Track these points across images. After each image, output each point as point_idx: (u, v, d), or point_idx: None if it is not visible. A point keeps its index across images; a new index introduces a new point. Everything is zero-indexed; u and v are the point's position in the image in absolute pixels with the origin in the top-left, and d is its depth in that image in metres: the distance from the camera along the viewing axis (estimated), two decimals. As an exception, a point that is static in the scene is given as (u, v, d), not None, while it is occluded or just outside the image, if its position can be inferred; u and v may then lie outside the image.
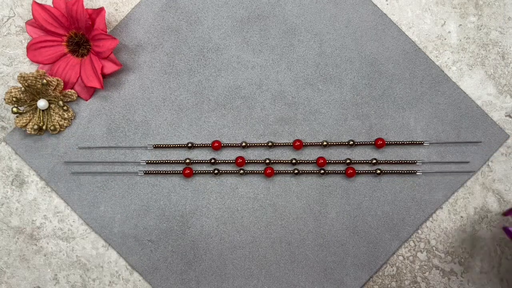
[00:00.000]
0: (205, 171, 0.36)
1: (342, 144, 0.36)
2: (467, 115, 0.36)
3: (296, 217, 0.36)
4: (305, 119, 0.36)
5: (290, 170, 0.35)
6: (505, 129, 0.36)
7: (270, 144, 0.35)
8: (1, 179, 0.36)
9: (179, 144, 0.36)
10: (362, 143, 0.36)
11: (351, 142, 0.35)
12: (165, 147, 0.36)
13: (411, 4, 0.37)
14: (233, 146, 0.36)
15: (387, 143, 0.35)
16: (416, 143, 0.35)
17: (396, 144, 0.35)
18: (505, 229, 0.32)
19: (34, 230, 0.36)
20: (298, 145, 0.35)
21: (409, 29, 0.36)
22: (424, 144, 0.35)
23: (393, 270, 0.36)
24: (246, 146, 0.36)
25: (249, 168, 0.36)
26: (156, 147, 0.36)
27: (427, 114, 0.36)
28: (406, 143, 0.35)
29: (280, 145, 0.36)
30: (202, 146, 0.36)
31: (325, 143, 0.35)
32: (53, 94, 0.35)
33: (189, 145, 0.35)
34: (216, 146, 0.35)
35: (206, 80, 0.36)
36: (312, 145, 0.36)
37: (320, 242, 0.35)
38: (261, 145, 0.36)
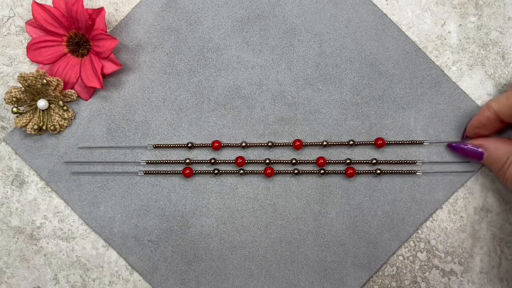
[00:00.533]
0: (205, 171, 0.36)
1: (342, 144, 0.36)
2: (467, 115, 0.36)
3: (296, 217, 0.36)
4: (305, 119, 0.36)
5: (290, 170, 0.35)
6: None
7: (270, 144, 0.35)
8: (1, 179, 0.36)
9: (179, 144, 0.36)
10: (362, 143, 0.36)
11: (351, 142, 0.35)
12: (165, 147, 0.36)
13: (411, 4, 0.37)
14: (233, 146, 0.36)
15: (387, 143, 0.35)
16: (416, 143, 0.35)
17: (396, 143, 0.35)
18: (450, 145, 0.35)
19: (34, 230, 0.36)
20: (298, 145, 0.35)
21: (409, 29, 0.37)
22: (424, 143, 0.35)
23: (393, 270, 0.36)
24: (246, 146, 0.36)
25: (249, 168, 0.36)
26: (156, 147, 0.36)
27: (427, 114, 0.36)
28: (406, 143, 0.35)
29: (280, 145, 0.36)
30: (202, 146, 0.36)
31: (325, 143, 0.35)
32: (53, 94, 0.35)
33: (189, 145, 0.35)
34: (216, 146, 0.35)
35: (206, 80, 0.36)
36: (312, 145, 0.36)
37: (320, 242, 0.35)
38: (261, 145, 0.36)
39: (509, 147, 0.32)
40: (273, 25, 0.36)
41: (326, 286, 0.35)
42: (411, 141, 0.35)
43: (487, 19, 0.36)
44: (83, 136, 0.36)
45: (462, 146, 0.34)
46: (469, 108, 0.36)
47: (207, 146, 0.36)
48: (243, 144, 0.36)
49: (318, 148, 0.36)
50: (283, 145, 0.36)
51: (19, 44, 0.37)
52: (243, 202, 0.36)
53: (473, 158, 0.34)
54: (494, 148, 0.33)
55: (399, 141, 0.35)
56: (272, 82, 0.36)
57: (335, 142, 0.36)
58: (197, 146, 0.36)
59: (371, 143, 0.36)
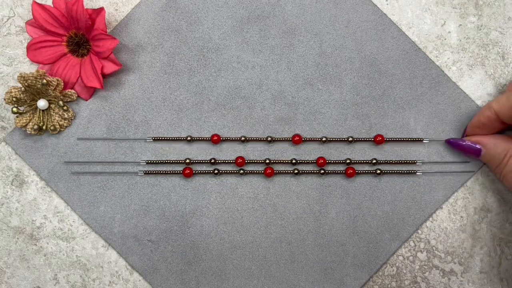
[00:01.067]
0: (205, 171, 0.36)
1: (342, 140, 0.36)
2: (467, 115, 0.36)
3: (296, 217, 0.36)
4: (305, 119, 0.36)
5: (290, 170, 0.35)
6: (505, 129, 0.36)
7: (269, 139, 0.35)
8: (1, 179, 0.36)
9: (179, 137, 0.35)
10: (361, 139, 0.35)
11: (350, 139, 0.35)
12: (164, 139, 0.35)
13: (411, 4, 0.37)
14: (232, 140, 0.36)
15: (386, 140, 0.35)
16: (415, 140, 0.35)
17: (395, 141, 0.35)
18: (448, 141, 0.35)
19: (34, 230, 0.36)
20: (297, 139, 0.35)
21: (409, 29, 0.37)
22: (424, 141, 0.35)
23: (393, 270, 0.36)
24: (245, 140, 0.35)
25: (249, 168, 0.36)
26: (156, 139, 0.35)
27: (427, 114, 0.36)
28: (405, 140, 0.35)
29: (280, 140, 0.35)
30: (201, 139, 0.35)
31: (324, 139, 0.35)
32: (53, 94, 0.35)
33: (188, 138, 0.35)
34: (215, 139, 0.35)
35: (206, 80, 0.36)
36: (311, 140, 0.36)
37: (320, 242, 0.35)
38: (260, 140, 0.36)
39: (507, 144, 0.32)
40: (273, 25, 0.36)
41: (326, 286, 0.35)
42: (410, 138, 0.35)
43: (487, 19, 0.36)
44: (83, 136, 0.36)
45: (460, 142, 0.34)
46: (469, 108, 0.36)
47: (206, 140, 0.36)
48: (242, 138, 0.35)
49: (318, 147, 0.36)
50: (283, 140, 0.36)
51: (19, 44, 0.37)
52: (243, 202, 0.36)
53: (471, 154, 0.34)
54: (493, 145, 0.33)
55: (398, 138, 0.35)
56: (272, 82, 0.36)
57: (335, 138, 0.36)
58: (197, 140, 0.36)
59: (371, 140, 0.36)
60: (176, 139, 0.36)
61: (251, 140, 0.36)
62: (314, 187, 0.36)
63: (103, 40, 0.34)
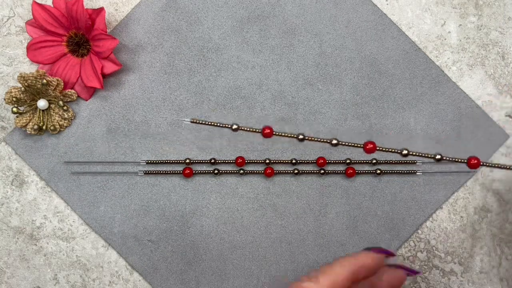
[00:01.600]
0: (205, 171, 0.36)
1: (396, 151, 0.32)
2: (467, 115, 0.36)
3: (296, 217, 0.36)
4: (305, 119, 0.36)
5: (290, 170, 0.35)
6: (505, 129, 0.36)
7: (332, 139, 0.32)
8: (1, 179, 0.36)
9: (225, 124, 0.33)
10: (451, 160, 0.31)
11: (438, 157, 0.32)
12: (204, 123, 0.33)
13: (411, 4, 0.37)
14: (286, 136, 0.32)
15: (482, 164, 0.31)
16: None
17: (489, 166, 0.31)
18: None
19: (34, 230, 0.36)
20: (371, 147, 0.32)
21: (409, 29, 0.37)
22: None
23: (393, 270, 0.36)
24: (303, 139, 0.32)
25: (249, 168, 0.36)
26: (194, 122, 0.33)
27: (427, 114, 0.36)
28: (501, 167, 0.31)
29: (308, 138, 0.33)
30: (249, 130, 0.33)
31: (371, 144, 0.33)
32: (53, 94, 0.35)
33: (234, 126, 0.33)
34: (267, 133, 0.32)
35: (206, 80, 0.36)
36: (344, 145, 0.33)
37: (320, 242, 0.35)
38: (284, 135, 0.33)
39: None
40: (273, 25, 0.36)
41: (326, 286, 0.35)
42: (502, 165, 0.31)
43: (487, 19, 0.36)
44: (83, 136, 0.36)
45: None
46: (469, 108, 0.36)
47: (256, 132, 0.32)
48: (300, 137, 0.32)
49: (318, 147, 0.36)
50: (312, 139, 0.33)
51: (19, 44, 0.37)
52: (243, 202, 0.36)
53: None
54: None
55: (496, 165, 0.31)
56: (272, 82, 0.36)
57: (421, 154, 0.32)
58: (243, 130, 0.33)
59: (464, 162, 0.32)
60: (220, 126, 0.33)
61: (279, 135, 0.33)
62: (314, 187, 0.36)
63: (103, 40, 0.34)
